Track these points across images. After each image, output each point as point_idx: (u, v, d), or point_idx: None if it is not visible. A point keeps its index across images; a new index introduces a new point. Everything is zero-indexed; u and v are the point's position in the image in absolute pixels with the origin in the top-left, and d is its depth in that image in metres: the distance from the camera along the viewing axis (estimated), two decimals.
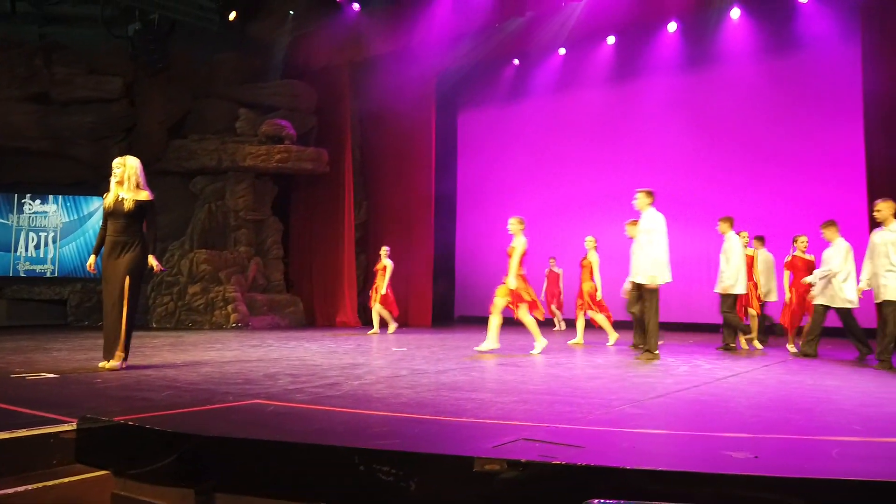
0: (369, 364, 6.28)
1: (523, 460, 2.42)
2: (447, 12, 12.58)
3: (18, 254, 13.48)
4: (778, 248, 11.62)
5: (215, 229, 13.27)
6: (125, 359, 5.51)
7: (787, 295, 8.17)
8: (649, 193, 7.02)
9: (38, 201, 13.50)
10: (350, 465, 2.56)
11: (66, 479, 2.95)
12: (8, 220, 13.49)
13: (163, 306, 12.46)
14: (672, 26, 12.73)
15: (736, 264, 8.20)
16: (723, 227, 8.44)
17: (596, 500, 1.28)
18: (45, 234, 13.61)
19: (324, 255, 14.11)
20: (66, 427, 3.15)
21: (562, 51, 14.12)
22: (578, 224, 13.06)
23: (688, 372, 5.80)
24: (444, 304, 15.07)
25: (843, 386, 4.95)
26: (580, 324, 9.19)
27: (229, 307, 12.31)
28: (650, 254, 6.77)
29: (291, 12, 13.79)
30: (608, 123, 13.70)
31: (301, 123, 13.70)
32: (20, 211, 13.45)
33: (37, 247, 13.56)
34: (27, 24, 13.86)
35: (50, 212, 13.57)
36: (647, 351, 6.76)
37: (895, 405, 4.06)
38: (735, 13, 12.15)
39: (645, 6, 11.44)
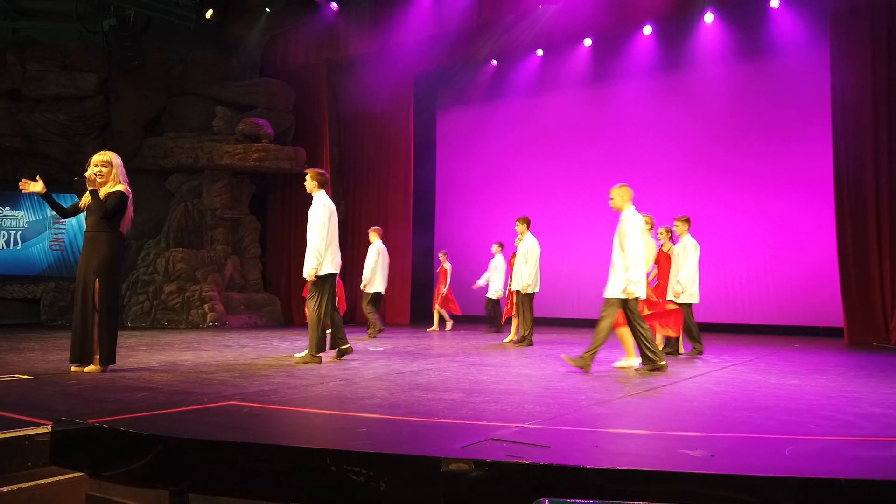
0: (345, 364, 6.34)
1: (489, 460, 2.52)
2: (426, 13, 12.64)
3: None
4: (746, 250, 11.90)
5: (192, 228, 13.21)
6: (110, 362, 5.40)
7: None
8: (318, 174, 6.60)
9: (7, 207, 13.37)
10: (322, 466, 2.64)
11: (41, 481, 2.99)
12: None
13: (138, 305, 12.38)
14: (647, 30, 12.92)
15: (533, 265, 8.58)
16: (520, 227, 8.79)
17: (546, 500, 1.37)
18: (16, 232, 13.47)
19: (301, 255, 14.05)
20: (41, 429, 3.19)
21: (539, 52, 14.25)
22: (557, 224, 13.21)
23: (657, 371, 5.94)
24: (423, 303, 15.14)
25: (804, 385, 5.12)
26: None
27: (206, 306, 12.27)
28: (314, 243, 6.42)
29: (268, 10, 13.76)
30: (585, 124, 13.86)
31: (278, 122, 13.68)
32: None
33: (8, 244, 13.41)
34: None
35: (18, 215, 13.46)
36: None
37: (852, 404, 4.22)
38: (709, 17, 12.37)
39: (620, 9, 11.59)
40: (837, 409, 4.04)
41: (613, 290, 5.84)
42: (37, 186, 5.33)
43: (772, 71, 12.06)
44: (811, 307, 11.20)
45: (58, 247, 13.50)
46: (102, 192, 5.41)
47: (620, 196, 6.08)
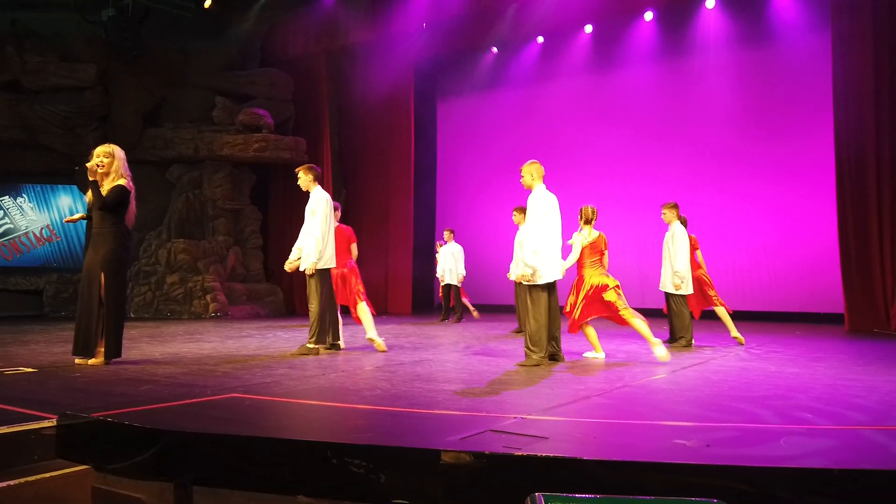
0: (347, 355, 6.38)
1: (487, 452, 2.56)
2: (425, 0, 12.58)
3: None
4: (748, 236, 11.91)
5: (193, 219, 13.24)
6: (115, 355, 5.46)
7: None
8: (311, 169, 6.59)
9: (6, 196, 13.40)
10: (323, 458, 2.68)
11: (46, 475, 3.04)
12: None
13: (141, 296, 12.44)
14: (648, 16, 12.85)
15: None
16: (518, 217, 8.68)
17: (540, 495, 1.40)
18: (18, 223, 13.50)
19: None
20: (46, 423, 3.23)
21: (540, 39, 14.19)
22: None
23: (656, 360, 5.97)
24: (424, 292, 15.19)
25: (802, 373, 5.15)
26: None
27: (208, 297, 12.32)
28: (315, 236, 6.26)
29: None
30: (586, 112, 13.82)
31: (278, 112, 13.67)
32: None
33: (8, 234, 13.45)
34: None
35: (22, 203, 13.49)
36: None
37: (849, 393, 4.25)
38: (710, 3, 12.31)
39: None
40: (834, 397, 4.07)
41: (515, 272, 5.57)
42: (76, 216, 5.76)
43: (774, 57, 12.00)
44: (812, 294, 11.22)
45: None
46: (105, 186, 5.46)
47: (530, 173, 5.81)
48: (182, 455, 2.95)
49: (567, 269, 6.01)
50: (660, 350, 5.78)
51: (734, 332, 7.38)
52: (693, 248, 7.54)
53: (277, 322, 11.20)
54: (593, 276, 6.05)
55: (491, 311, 13.46)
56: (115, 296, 5.42)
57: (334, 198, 14.45)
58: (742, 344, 7.24)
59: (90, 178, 5.45)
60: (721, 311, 7.48)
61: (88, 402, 3.74)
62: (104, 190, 5.44)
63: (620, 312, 5.91)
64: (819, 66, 11.03)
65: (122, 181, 5.47)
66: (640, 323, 5.85)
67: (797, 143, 11.58)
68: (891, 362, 5.82)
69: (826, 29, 10.51)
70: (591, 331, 6.14)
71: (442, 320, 11.26)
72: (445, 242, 11.40)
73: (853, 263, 9.65)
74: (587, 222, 6.16)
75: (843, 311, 9.80)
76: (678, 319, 7.27)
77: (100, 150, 5.55)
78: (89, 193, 5.52)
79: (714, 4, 12.30)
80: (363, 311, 6.88)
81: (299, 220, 14.46)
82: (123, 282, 5.65)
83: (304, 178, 6.61)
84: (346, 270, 6.93)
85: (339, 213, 7.10)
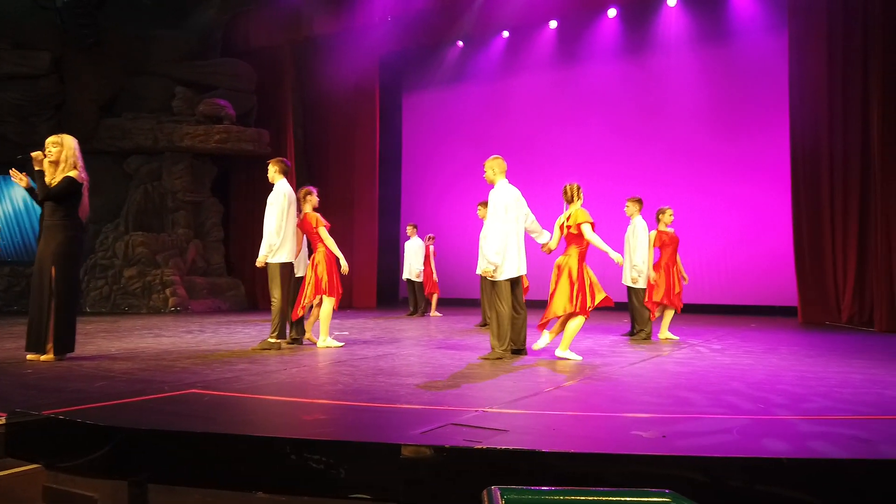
0: (310, 349, 6.33)
1: (447, 446, 2.56)
2: None
3: None
4: (706, 231, 12.15)
5: (152, 211, 12.96)
6: (68, 350, 5.32)
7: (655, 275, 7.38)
8: (278, 162, 6.47)
9: None
10: (282, 454, 2.65)
11: None
12: None
13: (97, 290, 12.14)
14: (612, 12, 12.99)
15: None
16: (482, 212, 8.51)
17: (496, 488, 1.41)
18: None
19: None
20: None
21: (505, 34, 14.23)
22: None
23: (617, 353, 6.07)
24: (389, 286, 15.16)
25: (756, 365, 5.29)
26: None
27: (167, 291, 12.09)
28: (269, 229, 6.23)
29: None
30: (550, 107, 13.92)
31: (241, 103, 13.45)
32: None
33: None
34: None
35: None
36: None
37: (798, 384, 4.38)
38: (672, 1, 12.49)
39: None
40: (785, 389, 4.19)
41: (480, 266, 5.71)
42: (22, 182, 5.42)
43: (733, 56, 12.25)
44: (767, 288, 11.52)
45: None
46: (56, 177, 5.31)
47: (492, 168, 5.84)
48: (137, 452, 2.89)
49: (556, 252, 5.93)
50: (561, 351, 5.60)
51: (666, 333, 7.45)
52: (673, 244, 7.54)
53: (239, 316, 11.05)
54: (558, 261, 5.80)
55: (456, 304, 13.51)
56: (65, 289, 5.27)
57: (298, 191, 14.32)
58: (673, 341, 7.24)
59: (35, 168, 5.30)
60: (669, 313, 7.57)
61: (40, 399, 3.63)
62: (54, 181, 5.29)
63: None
64: (776, 65, 11.29)
65: (72, 172, 5.31)
66: (574, 324, 5.59)
67: (754, 141, 11.85)
68: (840, 354, 6.01)
69: (783, 29, 10.75)
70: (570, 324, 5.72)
71: (410, 314, 11.27)
72: (409, 237, 11.42)
73: (806, 258, 9.93)
74: (567, 202, 5.88)
75: (796, 304, 10.08)
76: (638, 313, 7.41)
77: (50, 139, 5.40)
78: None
79: (675, 3, 12.49)
80: (324, 309, 6.53)
81: (261, 213, 14.22)
82: (75, 275, 5.49)
83: (270, 170, 6.54)
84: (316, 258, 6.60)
85: (315, 199, 6.69)
